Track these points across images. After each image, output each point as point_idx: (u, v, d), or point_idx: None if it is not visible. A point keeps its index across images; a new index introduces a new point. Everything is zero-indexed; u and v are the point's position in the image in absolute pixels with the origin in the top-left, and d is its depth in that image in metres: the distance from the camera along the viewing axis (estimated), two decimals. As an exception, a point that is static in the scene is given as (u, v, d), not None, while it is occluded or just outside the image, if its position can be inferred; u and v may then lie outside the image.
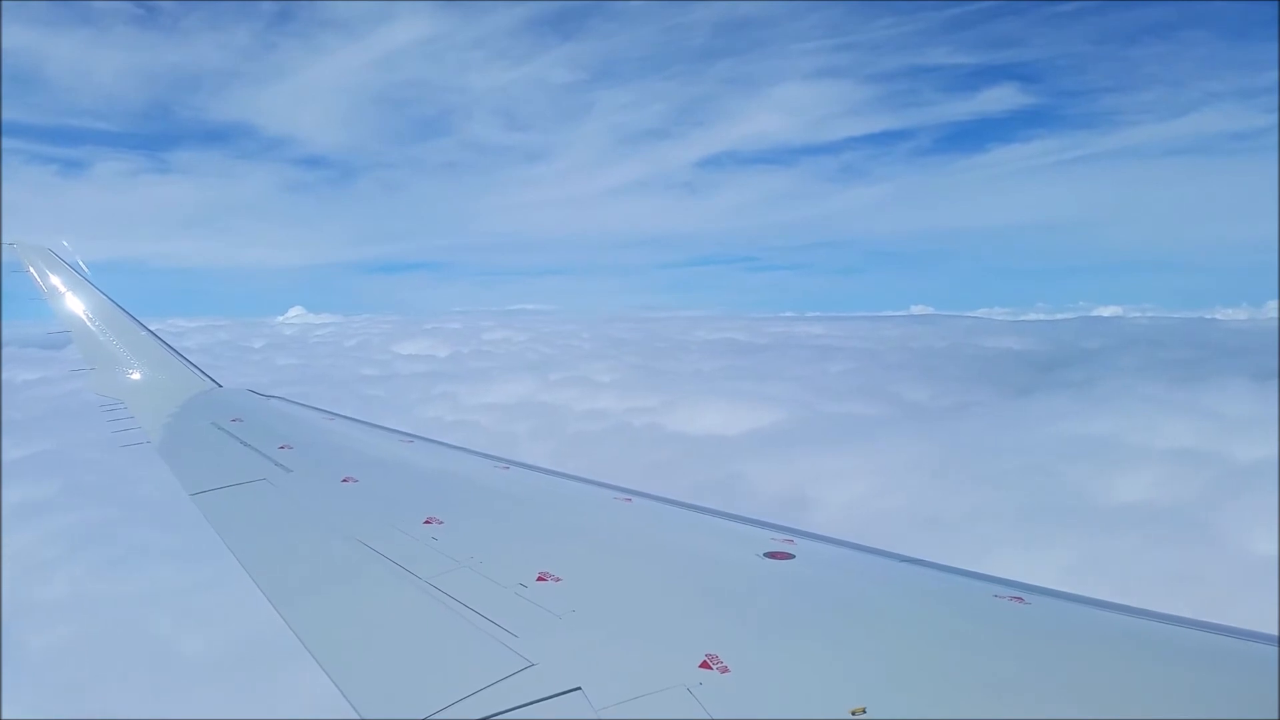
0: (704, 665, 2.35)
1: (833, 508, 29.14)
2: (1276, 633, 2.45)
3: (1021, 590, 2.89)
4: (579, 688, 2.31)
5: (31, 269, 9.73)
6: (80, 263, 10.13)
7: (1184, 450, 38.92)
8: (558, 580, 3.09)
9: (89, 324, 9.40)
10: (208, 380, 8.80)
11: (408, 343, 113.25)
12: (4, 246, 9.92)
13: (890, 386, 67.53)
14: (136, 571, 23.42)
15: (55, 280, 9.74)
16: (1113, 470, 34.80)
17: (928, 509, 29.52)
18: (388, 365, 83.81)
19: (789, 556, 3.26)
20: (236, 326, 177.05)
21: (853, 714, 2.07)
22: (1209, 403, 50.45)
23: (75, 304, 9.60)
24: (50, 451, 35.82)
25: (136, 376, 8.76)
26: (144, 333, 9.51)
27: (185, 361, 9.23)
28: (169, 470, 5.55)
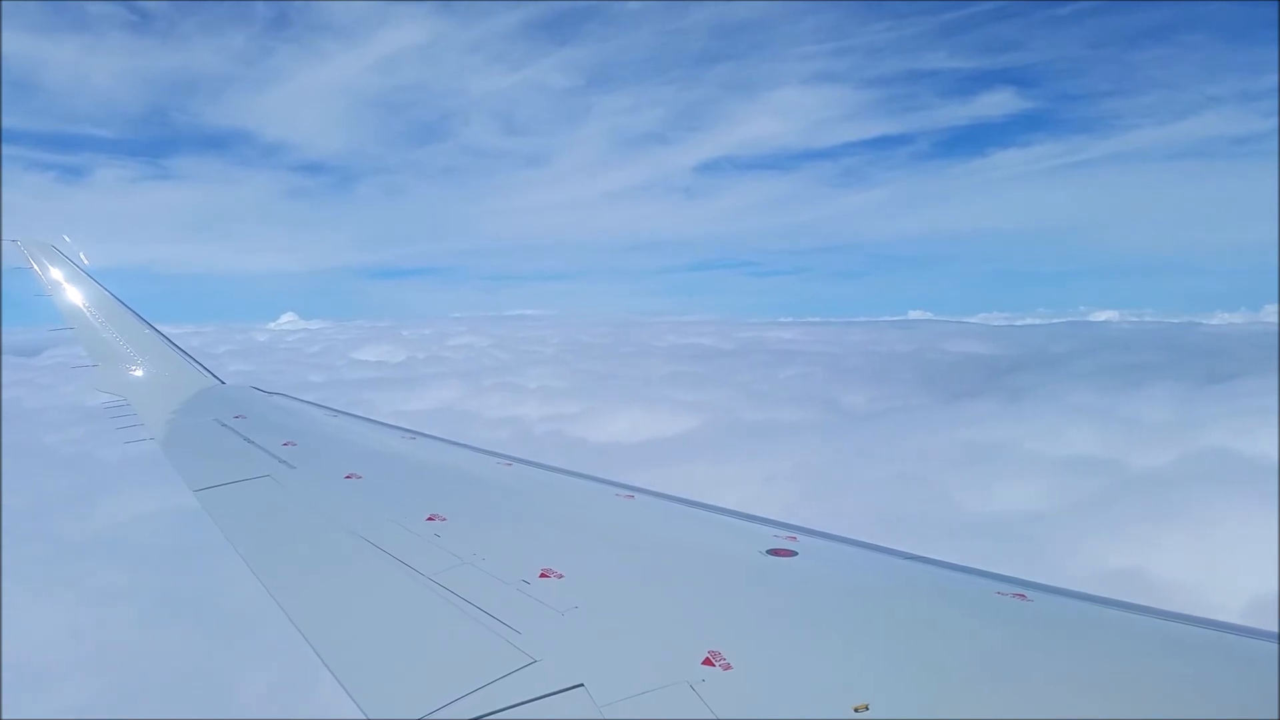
0: (706, 662, 2.35)
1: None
2: (1277, 631, 2.45)
3: (1024, 587, 2.90)
4: (581, 684, 2.32)
5: (34, 264, 9.69)
6: (82, 257, 10.12)
7: (1078, 458, 38.30)
8: (560, 577, 3.10)
9: (91, 320, 9.33)
10: (211, 377, 8.77)
11: (369, 349, 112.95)
12: (5, 245, 9.84)
13: (830, 392, 67.07)
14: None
15: (57, 275, 9.69)
16: (991, 478, 34.21)
17: (783, 517, 28.94)
18: (337, 371, 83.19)
19: (791, 554, 3.28)
20: (218, 332, 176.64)
21: (856, 711, 2.06)
22: (1132, 409, 49.83)
23: (77, 299, 9.52)
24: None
25: (139, 373, 8.71)
26: (147, 329, 9.44)
27: (188, 358, 9.15)
28: (172, 467, 5.45)
